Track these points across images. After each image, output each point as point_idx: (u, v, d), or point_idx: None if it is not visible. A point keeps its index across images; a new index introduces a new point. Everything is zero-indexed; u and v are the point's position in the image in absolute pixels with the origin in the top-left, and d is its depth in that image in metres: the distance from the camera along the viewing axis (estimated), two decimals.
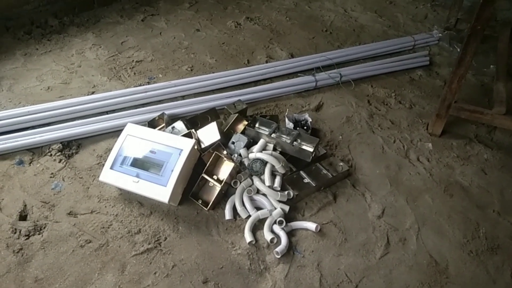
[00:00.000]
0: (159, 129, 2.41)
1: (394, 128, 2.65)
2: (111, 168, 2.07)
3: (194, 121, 2.40)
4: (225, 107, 2.49)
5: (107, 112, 2.59)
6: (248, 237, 1.93)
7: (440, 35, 3.40)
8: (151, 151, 2.07)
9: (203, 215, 2.05)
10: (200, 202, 2.06)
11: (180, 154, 2.01)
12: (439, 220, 2.13)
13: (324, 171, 2.24)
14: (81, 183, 2.17)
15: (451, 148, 2.54)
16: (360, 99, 2.86)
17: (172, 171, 1.99)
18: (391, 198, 2.22)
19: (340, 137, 2.55)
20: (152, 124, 2.45)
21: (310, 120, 2.51)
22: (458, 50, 3.28)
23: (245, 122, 2.37)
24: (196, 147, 2.12)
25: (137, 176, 2.02)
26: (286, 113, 2.53)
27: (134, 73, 2.94)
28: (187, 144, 2.03)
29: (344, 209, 2.15)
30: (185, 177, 2.08)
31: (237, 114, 2.35)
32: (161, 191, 1.96)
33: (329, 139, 2.53)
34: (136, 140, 2.11)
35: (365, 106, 2.80)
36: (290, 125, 2.46)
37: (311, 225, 2.01)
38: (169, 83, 2.73)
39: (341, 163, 2.29)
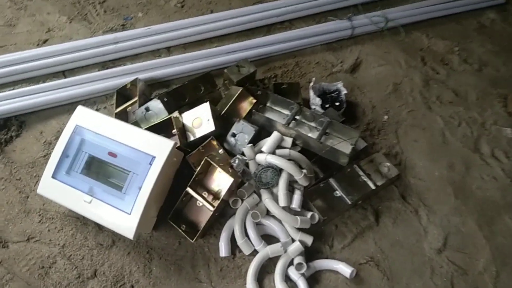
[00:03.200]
0: (130, 105, 1.63)
1: (459, 103, 1.84)
2: (54, 176, 1.34)
3: (180, 93, 1.61)
4: (225, 70, 1.68)
5: (63, 74, 1.80)
6: None
7: None
8: (111, 153, 1.33)
9: (188, 247, 1.37)
10: (184, 229, 1.36)
11: (151, 164, 1.27)
12: None
13: (364, 178, 1.50)
14: (18, 188, 1.47)
15: None
16: (412, 55, 2.00)
17: (139, 189, 1.26)
18: (456, 218, 1.50)
19: (386, 116, 1.76)
20: (122, 93, 1.68)
21: (345, 92, 1.70)
22: None
23: (252, 100, 1.58)
24: (179, 141, 1.38)
25: (90, 192, 1.30)
26: (311, 84, 1.72)
27: (105, 11, 2.08)
28: (163, 149, 1.28)
29: (390, 236, 1.45)
30: (160, 193, 1.36)
31: (241, 89, 1.55)
32: (122, 220, 1.26)
33: (370, 119, 1.74)
34: (89, 134, 1.35)
35: (419, 67, 1.96)
36: (316, 100, 1.67)
37: (345, 269, 1.33)
38: (147, 29, 1.88)
39: (388, 164, 1.54)
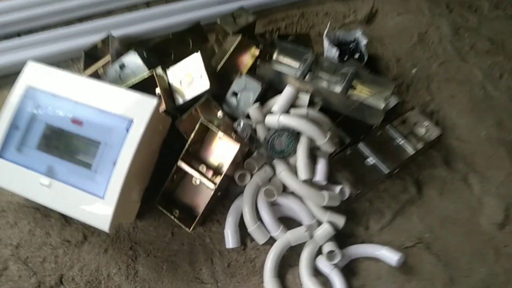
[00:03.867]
0: (102, 66, 1.28)
1: (497, 52, 1.53)
2: (1, 155, 0.99)
3: (164, 50, 1.28)
4: (218, 21, 1.34)
5: (18, 34, 1.44)
6: None
7: None
8: (75, 121, 0.98)
9: (184, 239, 1.04)
10: (177, 215, 1.03)
11: (129, 130, 0.93)
12: None
13: (399, 140, 1.18)
14: None
15: None
16: (434, 2, 1.69)
17: (114, 164, 0.92)
18: None
19: (414, 70, 1.44)
20: (92, 55, 1.34)
21: (366, 41, 1.38)
22: None
23: (255, 51, 1.24)
24: (163, 106, 1.04)
25: (50, 172, 0.96)
26: (326, 32, 1.39)
27: None
28: (144, 109, 0.94)
29: (438, 211, 1.14)
30: (143, 170, 1.03)
31: (239, 36, 1.21)
32: (94, 207, 0.92)
33: (396, 73, 1.43)
34: (45, 97, 1.01)
35: (445, 15, 1.64)
36: (332, 51, 1.34)
37: (389, 256, 1.01)
38: None
39: (426, 123, 1.22)
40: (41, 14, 1.43)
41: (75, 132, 0.98)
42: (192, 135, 1.00)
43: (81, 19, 1.49)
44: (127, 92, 0.97)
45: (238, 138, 1.01)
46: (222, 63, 1.20)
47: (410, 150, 1.17)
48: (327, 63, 1.19)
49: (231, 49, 1.19)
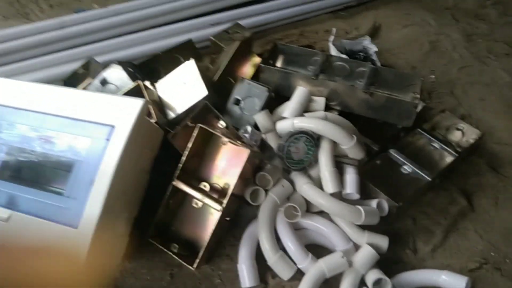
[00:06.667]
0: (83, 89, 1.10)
1: None
2: None
3: (152, 68, 1.11)
4: (211, 37, 1.18)
5: None
6: None
7: None
8: (42, 138, 0.78)
9: (186, 280, 0.80)
10: (177, 251, 0.79)
11: (109, 140, 0.72)
12: None
13: (435, 144, 0.98)
14: None
15: None
16: (439, 14, 1.58)
17: (92, 183, 0.70)
18: None
19: (432, 76, 1.29)
20: (71, 82, 1.15)
21: (375, 49, 1.23)
22: None
23: (256, 59, 1.08)
24: (153, 116, 0.84)
25: (10, 203, 0.74)
26: (331, 39, 1.24)
27: (51, 6, 1.61)
28: (128, 113, 0.74)
29: (498, 224, 0.92)
30: (130, 193, 0.80)
31: (238, 42, 1.05)
32: (65, 241, 0.68)
33: None
34: (4, 113, 0.81)
35: (452, 24, 1.53)
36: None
37: (454, 281, 0.77)
38: (106, 10, 1.40)
39: (463, 125, 1.03)
40: (12, 48, 1.28)
41: (44, 152, 0.77)
42: (190, 144, 0.80)
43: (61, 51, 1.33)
44: (106, 96, 0.78)
45: (247, 146, 0.81)
46: (219, 73, 1.03)
47: (452, 154, 0.96)
48: (340, 63, 1.03)
49: (230, 55, 1.02)
